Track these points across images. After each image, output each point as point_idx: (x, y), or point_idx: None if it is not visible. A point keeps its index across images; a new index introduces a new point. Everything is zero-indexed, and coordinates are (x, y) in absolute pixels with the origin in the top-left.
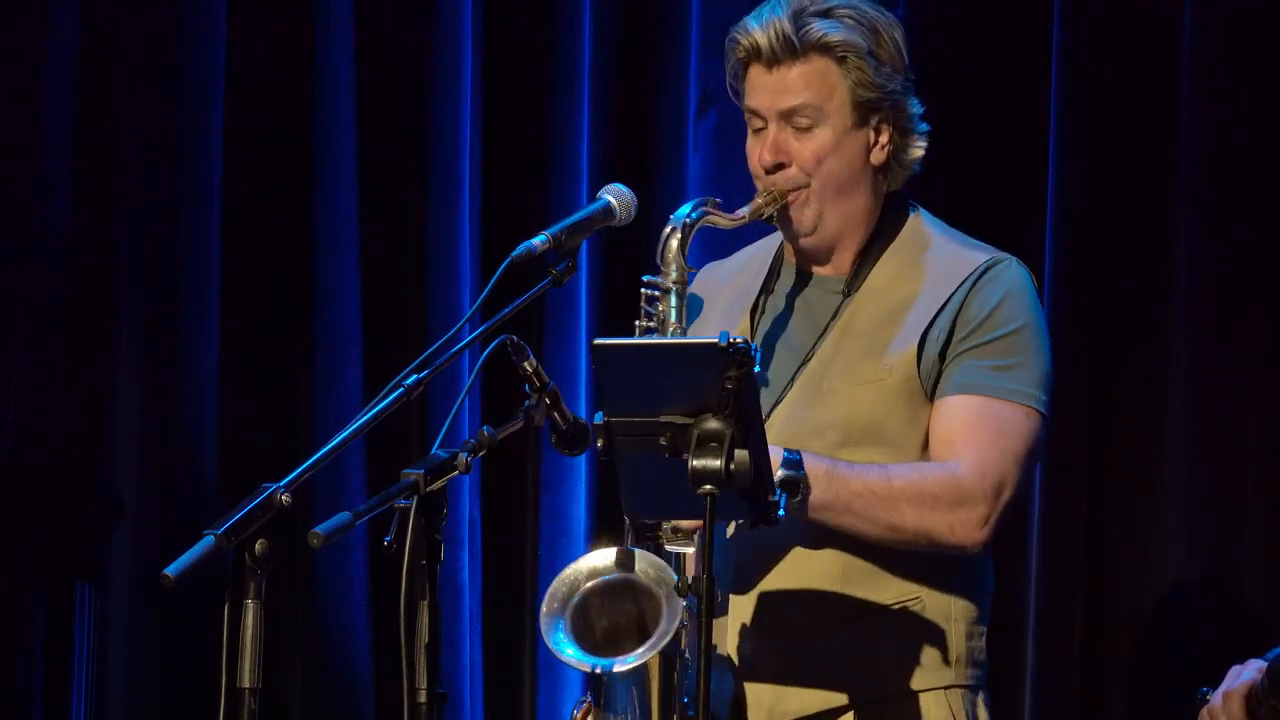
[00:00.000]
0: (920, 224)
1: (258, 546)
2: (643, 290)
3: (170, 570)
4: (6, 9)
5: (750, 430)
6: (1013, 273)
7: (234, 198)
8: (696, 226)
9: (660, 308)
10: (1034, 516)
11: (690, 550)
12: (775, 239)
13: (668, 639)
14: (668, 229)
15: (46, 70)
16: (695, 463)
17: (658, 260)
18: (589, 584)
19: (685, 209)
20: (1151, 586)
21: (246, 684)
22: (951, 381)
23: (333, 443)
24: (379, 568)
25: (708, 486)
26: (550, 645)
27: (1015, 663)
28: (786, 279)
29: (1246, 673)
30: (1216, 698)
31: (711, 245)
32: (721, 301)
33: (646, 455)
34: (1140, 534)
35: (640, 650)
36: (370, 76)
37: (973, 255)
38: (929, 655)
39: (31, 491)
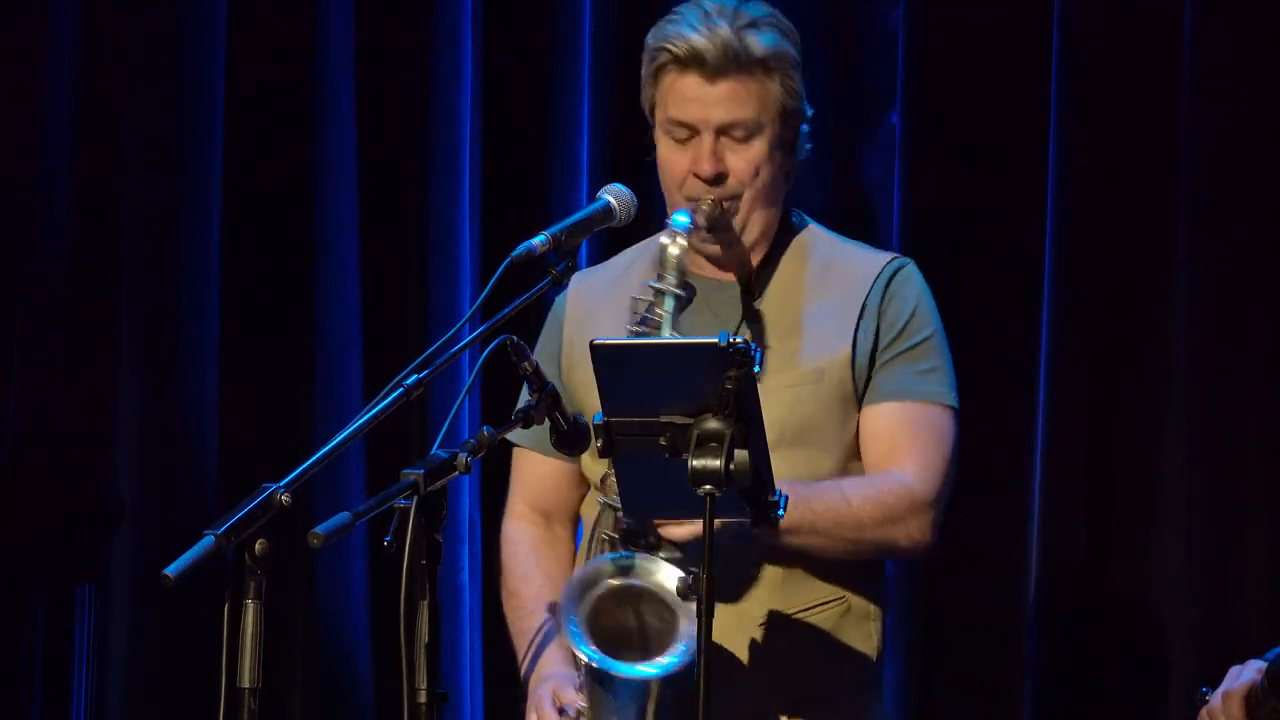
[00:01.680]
0: (810, 229)
1: (258, 546)
2: (638, 296)
3: (170, 570)
4: (6, 9)
5: (750, 430)
6: (917, 277)
7: (234, 198)
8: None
9: (657, 311)
10: (1034, 516)
11: (677, 558)
12: (647, 244)
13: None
14: (665, 237)
15: (46, 70)
16: (695, 463)
17: (657, 263)
18: (609, 581)
19: (685, 219)
20: (1151, 586)
21: (246, 684)
22: (883, 389)
23: (333, 443)
24: (379, 568)
25: (708, 486)
26: (566, 635)
27: (1015, 662)
28: None
29: (1246, 673)
30: (1216, 698)
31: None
32: (608, 308)
33: (646, 455)
34: (1140, 534)
35: (671, 657)
36: (370, 76)
37: (873, 256)
38: (853, 655)
39: (31, 491)
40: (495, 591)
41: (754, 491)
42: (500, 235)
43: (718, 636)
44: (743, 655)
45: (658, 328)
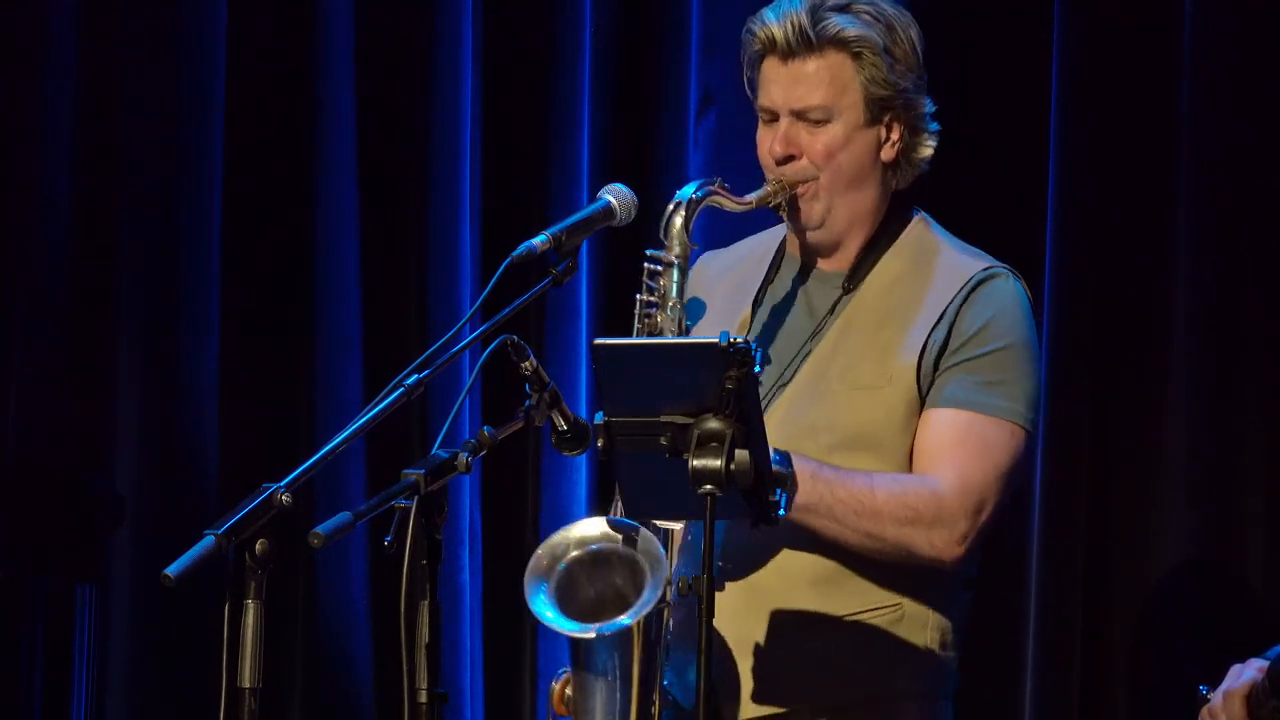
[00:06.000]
0: (923, 228)
1: (258, 546)
2: (645, 264)
3: (170, 570)
4: (6, 8)
5: (751, 430)
6: (1006, 288)
7: (234, 198)
8: (701, 205)
9: (661, 282)
10: (1034, 517)
11: (678, 526)
12: (779, 231)
13: (649, 608)
14: (671, 205)
15: (47, 71)
16: (696, 463)
17: (660, 235)
18: (575, 552)
19: (690, 187)
20: (1151, 586)
21: (246, 684)
22: (940, 395)
23: (333, 443)
24: (379, 568)
25: (708, 486)
26: (531, 608)
27: (1015, 663)
28: (788, 271)
29: (1247, 672)
30: (1217, 697)
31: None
32: (721, 291)
33: (647, 455)
34: (1140, 534)
35: (620, 618)
36: (370, 77)
37: (969, 264)
38: (905, 663)
39: (31, 491)
40: (495, 591)
41: (755, 491)
42: (500, 235)
43: (767, 630)
44: (787, 651)
45: (664, 298)
